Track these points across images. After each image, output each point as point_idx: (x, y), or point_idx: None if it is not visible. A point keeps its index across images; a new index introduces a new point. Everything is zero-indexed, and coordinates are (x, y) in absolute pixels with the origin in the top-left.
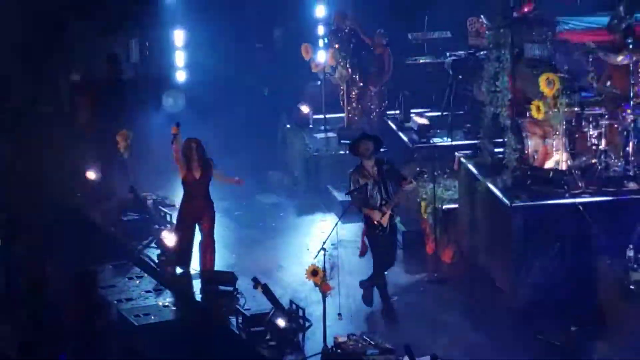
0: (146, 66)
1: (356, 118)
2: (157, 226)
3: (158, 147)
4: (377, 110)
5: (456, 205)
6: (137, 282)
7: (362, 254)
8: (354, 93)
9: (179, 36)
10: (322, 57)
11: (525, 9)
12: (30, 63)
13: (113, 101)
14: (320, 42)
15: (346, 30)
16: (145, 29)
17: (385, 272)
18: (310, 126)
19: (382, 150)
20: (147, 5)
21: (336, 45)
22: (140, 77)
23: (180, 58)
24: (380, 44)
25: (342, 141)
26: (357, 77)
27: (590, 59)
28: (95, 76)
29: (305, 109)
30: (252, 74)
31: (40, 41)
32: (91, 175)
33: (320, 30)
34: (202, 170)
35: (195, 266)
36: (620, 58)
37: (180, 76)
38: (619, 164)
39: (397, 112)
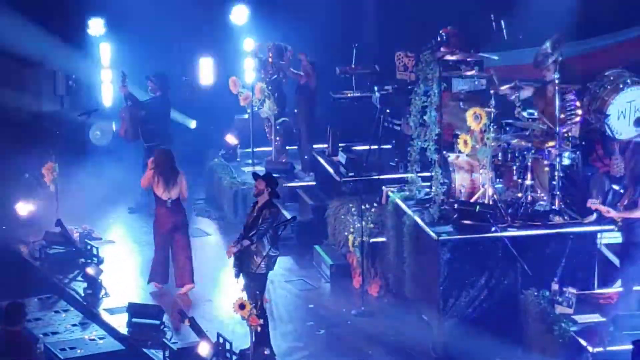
0: (73, 98)
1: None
2: (83, 259)
3: (85, 180)
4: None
5: (383, 239)
6: (63, 315)
7: None
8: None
9: (105, 54)
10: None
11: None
12: None
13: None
14: (247, 76)
15: (275, 64)
16: (71, 61)
17: None
18: (238, 159)
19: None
20: (73, 38)
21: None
22: (66, 110)
23: (107, 75)
24: (307, 67)
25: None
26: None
27: (518, 94)
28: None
29: (231, 139)
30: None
31: None
32: (20, 208)
33: (249, 63)
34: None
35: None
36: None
37: (107, 96)
38: (545, 198)
39: (325, 145)
